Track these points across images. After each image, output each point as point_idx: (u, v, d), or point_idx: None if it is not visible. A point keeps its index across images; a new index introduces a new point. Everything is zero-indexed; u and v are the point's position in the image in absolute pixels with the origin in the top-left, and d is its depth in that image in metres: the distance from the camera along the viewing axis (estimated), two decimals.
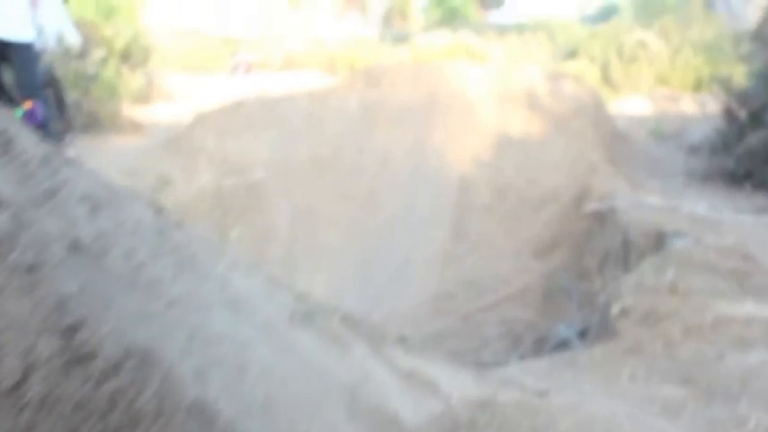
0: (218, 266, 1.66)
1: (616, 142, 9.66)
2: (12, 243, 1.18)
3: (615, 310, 3.78)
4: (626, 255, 5.27)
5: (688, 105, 16.08)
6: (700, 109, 14.52)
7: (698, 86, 21.34)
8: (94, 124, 10.72)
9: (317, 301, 2.20)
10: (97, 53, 11.75)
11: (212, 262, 1.68)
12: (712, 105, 12.23)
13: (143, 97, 15.18)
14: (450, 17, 44.57)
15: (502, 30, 35.65)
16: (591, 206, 6.61)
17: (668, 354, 3.21)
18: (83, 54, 11.51)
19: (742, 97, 10.04)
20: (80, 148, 9.11)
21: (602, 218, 6.42)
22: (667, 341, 3.28)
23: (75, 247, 1.29)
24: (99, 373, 1.11)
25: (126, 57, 15.61)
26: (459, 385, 2.38)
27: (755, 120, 9.11)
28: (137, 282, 1.35)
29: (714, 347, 3.17)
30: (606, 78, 23.31)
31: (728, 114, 10.03)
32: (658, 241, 5.05)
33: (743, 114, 9.58)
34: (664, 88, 20.67)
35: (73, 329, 1.12)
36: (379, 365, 2.08)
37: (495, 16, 58.19)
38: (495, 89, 8.14)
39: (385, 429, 1.72)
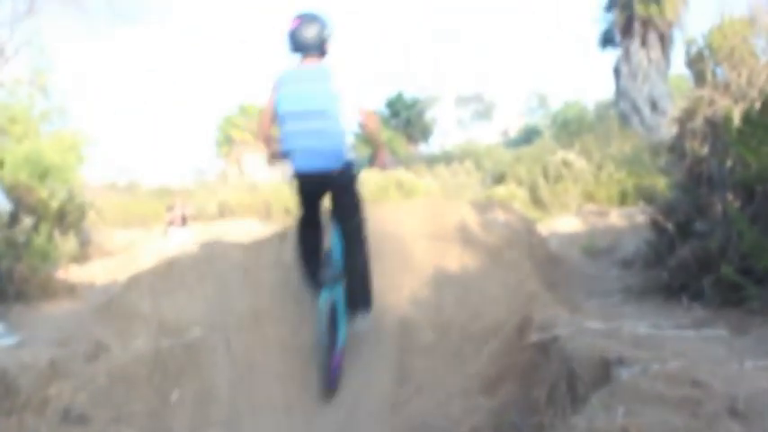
0: None
1: (551, 265, 9.78)
2: None
3: None
4: (572, 386, 5.21)
5: (616, 219, 16.49)
6: (628, 221, 14.88)
7: (624, 199, 22.14)
8: (27, 292, 10.49)
9: None
10: (27, 221, 11.62)
11: None
12: (640, 217, 12.57)
13: (79, 257, 15.02)
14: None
15: (430, 160, 36.78)
16: (533, 337, 6.59)
17: None
18: (13, 222, 11.39)
19: (667, 209, 10.33)
20: (12, 318, 8.87)
21: (546, 348, 6.39)
22: None
23: None
24: None
25: (61, 217, 15.53)
26: None
27: (683, 231, 9.31)
28: None
29: None
30: (535, 199, 24.04)
31: (656, 226, 10.26)
32: (604, 370, 5.02)
33: (670, 226, 9.80)
34: (591, 204, 21.32)
35: None
36: None
37: (423, 148, 59.95)
38: (427, 227, 8.23)
39: None
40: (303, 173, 6.95)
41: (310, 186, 7.10)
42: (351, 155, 7.08)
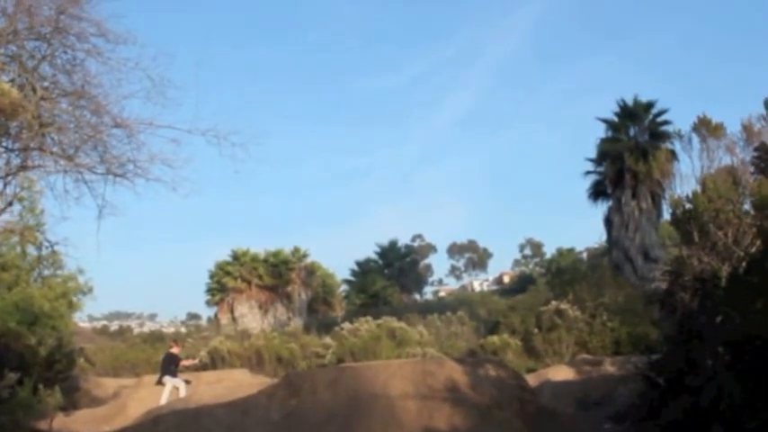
0: None
1: (543, 420, 9.67)
2: None
3: None
4: None
5: (610, 367, 16.39)
6: (622, 369, 14.78)
7: (617, 347, 22.09)
8: None
9: None
10: (11, 375, 11.49)
11: None
12: (632, 367, 12.52)
13: (66, 406, 14.73)
14: (372, 301, 45.88)
15: (424, 309, 36.83)
16: None
17: None
18: None
19: (659, 364, 10.32)
20: None
21: None
22: None
23: None
24: None
25: (49, 365, 15.34)
26: None
27: (674, 385, 9.29)
28: None
29: None
30: (529, 348, 23.95)
31: (648, 381, 10.23)
32: None
33: (661, 381, 9.77)
34: (584, 353, 21.21)
35: None
36: None
37: (418, 295, 60.00)
38: (416, 386, 8.20)
39: None
40: None
41: None
42: None
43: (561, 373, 16.53)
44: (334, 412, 7.44)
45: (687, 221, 11.23)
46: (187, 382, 17.54)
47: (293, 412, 7.61)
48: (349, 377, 8.28)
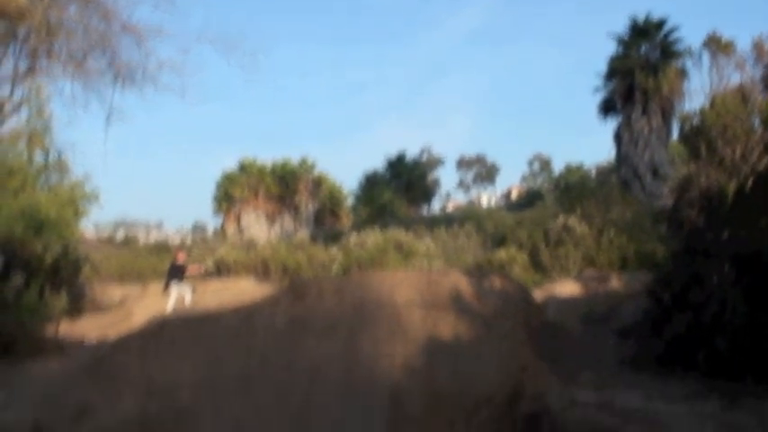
0: None
1: (547, 335, 9.70)
2: None
3: None
4: None
5: (617, 284, 16.43)
6: (628, 287, 14.83)
7: (624, 264, 22.12)
8: (14, 349, 10.41)
9: None
10: (18, 277, 11.57)
11: None
12: (639, 283, 12.55)
13: (72, 312, 14.90)
14: (379, 213, 45.95)
15: (431, 222, 36.85)
16: (525, 408, 6.52)
17: None
18: (3, 277, 11.36)
19: (664, 279, 10.32)
20: None
21: (537, 419, 6.32)
22: None
23: None
24: None
25: (55, 272, 15.44)
26: None
27: (679, 301, 9.30)
28: None
29: None
30: (535, 263, 24.00)
31: (653, 296, 10.25)
32: None
33: (666, 296, 9.78)
34: (591, 269, 21.27)
35: None
36: None
37: (425, 208, 60.06)
38: (421, 295, 8.18)
39: None
40: None
41: None
42: None
43: (567, 287, 16.57)
44: (340, 319, 7.44)
45: (695, 136, 11.08)
46: (193, 290, 17.72)
47: (298, 318, 7.62)
48: (354, 285, 8.27)
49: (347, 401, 6.98)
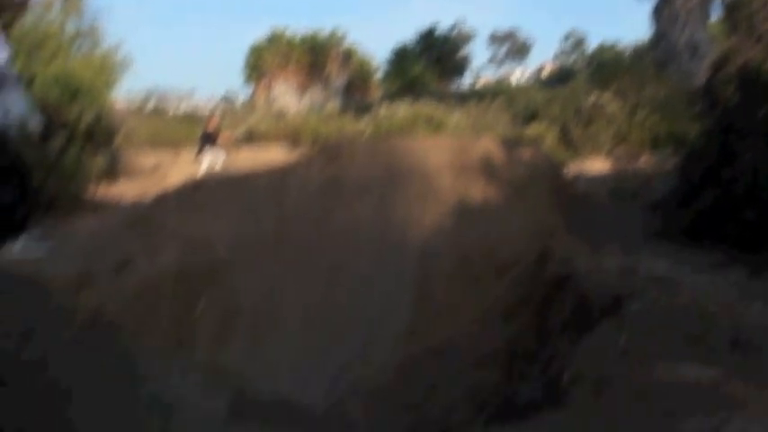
0: (155, 369, 1.67)
1: (575, 206, 9.80)
2: None
3: (567, 376, 3.82)
4: (585, 318, 5.33)
5: (647, 163, 16.35)
6: (658, 166, 14.75)
7: (656, 144, 21.84)
8: (57, 206, 10.69)
9: (258, 394, 2.21)
10: (58, 139, 11.77)
11: (150, 365, 1.70)
12: (670, 162, 12.48)
13: (108, 176, 15.16)
14: (409, 86, 45.37)
15: (462, 97, 36.43)
16: (551, 271, 6.69)
17: (613, 421, 3.24)
18: (44, 138, 11.55)
19: (695, 156, 10.26)
20: (43, 230, 9.09)
21: (562, 282, 6.49)
22: (614, 407, 3.32)
23: None
24: None
25: (90, 137, 15.60)
26: None
27: (710, 178, 9.29)
28: None
29: (661, 412, 3.21)
30: (566, 140, 23.79)
31: (684, 173, 10.23)
32: (616, 304, 5.12)
33: (698, 172, 9.76)
34: (622, 147, 21.11)
35: None
36: None
37: (456, 84, 59.21)
38: (452, 160, 8.27)
39: None
40: None
41: None
42: None
43: (597, 164, 16.56)
44: (372, 182, 7.59)
45: (736, 10, 10.74)
46: (225, 156, 17.90)
47: (331, 179, 7.77)
48: (386, 150, 8.36)
49: (380, 258, 7.21)
